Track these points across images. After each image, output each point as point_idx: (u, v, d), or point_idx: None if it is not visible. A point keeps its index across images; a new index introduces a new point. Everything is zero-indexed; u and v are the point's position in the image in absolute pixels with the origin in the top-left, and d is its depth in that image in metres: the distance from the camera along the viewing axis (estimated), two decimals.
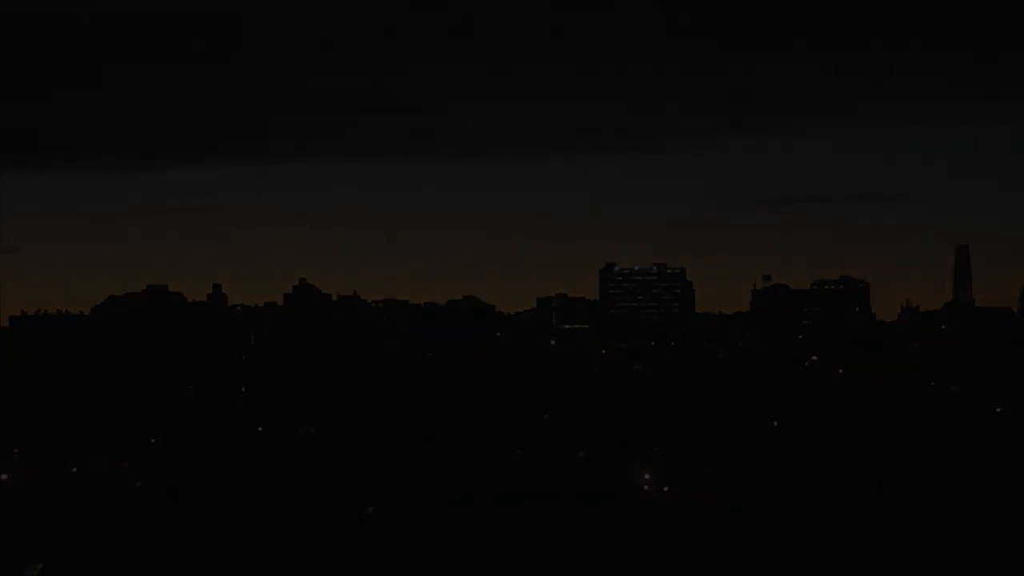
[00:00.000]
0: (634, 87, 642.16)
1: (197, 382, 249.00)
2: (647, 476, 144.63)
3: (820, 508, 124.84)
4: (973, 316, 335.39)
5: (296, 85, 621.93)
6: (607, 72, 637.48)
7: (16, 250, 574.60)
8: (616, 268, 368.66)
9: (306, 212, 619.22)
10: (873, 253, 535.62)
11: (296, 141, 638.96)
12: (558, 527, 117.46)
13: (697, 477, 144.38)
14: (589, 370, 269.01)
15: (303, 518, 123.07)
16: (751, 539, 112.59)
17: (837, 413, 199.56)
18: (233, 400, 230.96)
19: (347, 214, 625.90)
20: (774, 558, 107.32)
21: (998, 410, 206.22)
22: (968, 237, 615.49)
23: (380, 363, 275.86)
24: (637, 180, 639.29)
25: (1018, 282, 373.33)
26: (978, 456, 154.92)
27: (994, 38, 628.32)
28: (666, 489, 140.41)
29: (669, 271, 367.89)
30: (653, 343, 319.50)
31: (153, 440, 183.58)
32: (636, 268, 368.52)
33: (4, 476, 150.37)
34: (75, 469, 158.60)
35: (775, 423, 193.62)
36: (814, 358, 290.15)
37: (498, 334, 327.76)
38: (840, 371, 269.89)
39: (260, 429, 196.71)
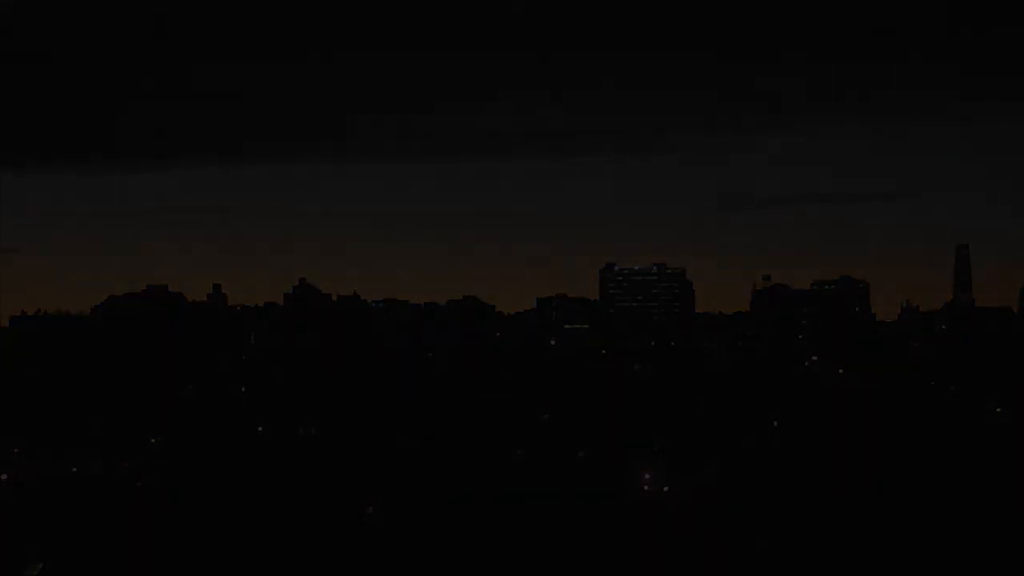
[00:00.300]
0: (634, 87, 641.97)
1: (197, 382, 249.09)
2: (647, 476, 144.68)
3: (820, 508, 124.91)
4: (973, 316, 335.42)
5: (296, 85, 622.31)
6: (607, 72, 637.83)
7: (16, 250, 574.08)
8: (616, 268, 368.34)
9: (306, 212, 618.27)
10: (873, 253, 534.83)
11: (296, 141, 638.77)
12: (558, 527, 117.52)
13: (697, 477, 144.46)
14: (589, 370, 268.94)
15: (303, 518, 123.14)
16: (751, 539, 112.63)
17: (837, 413, 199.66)
18: (233, 400, 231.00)
19: (347, 214, 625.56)
20: (774, 558, 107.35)
21: (998, 410, 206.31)
22: (968, 237, 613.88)
23: (380, 363, 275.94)
24: (637, 180, 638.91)
25: (1018, 282, 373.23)
26: (978, 456, 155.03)
27: (994, 38, 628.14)
28: (666, 489, 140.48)
29: (669, 271, 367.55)
30: (653, 343, 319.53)
31: (153, 440, 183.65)
32: (636, 268, 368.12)
33: (4, 476, 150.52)
34: (75, 469, 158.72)
35: (775, 423, 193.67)
36: (814, 358, 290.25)
37: (498, 334, 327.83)
38: (840, 371, 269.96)
39: (260, 429, 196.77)
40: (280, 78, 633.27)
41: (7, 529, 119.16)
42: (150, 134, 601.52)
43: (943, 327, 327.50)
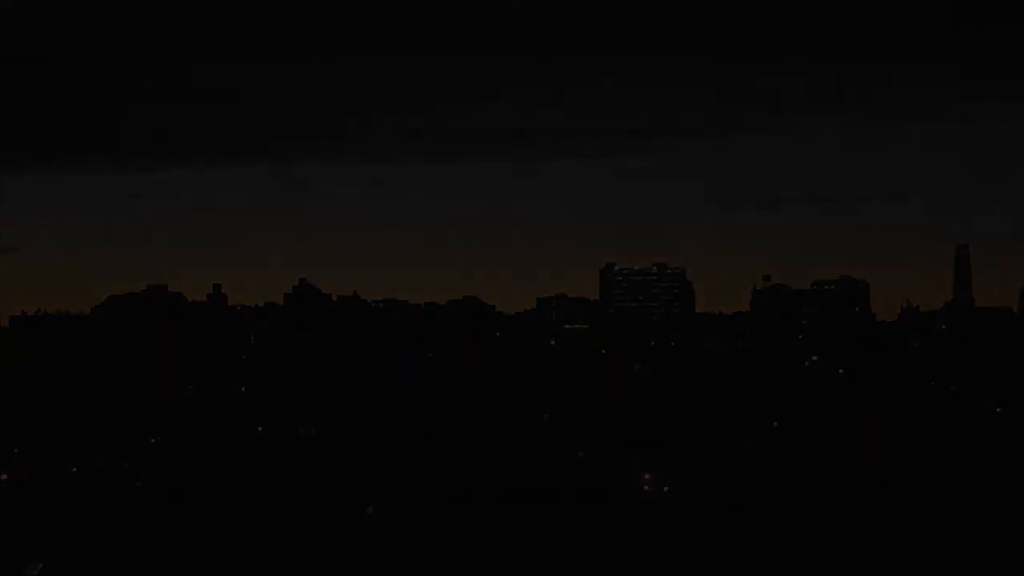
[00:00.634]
0: (634, 87, 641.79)
1: (197, 382, 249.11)
2: (647, 476, 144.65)
3: (820, 508, 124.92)
4: (973, 316, 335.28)
5: (296, 85, 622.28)
6: (607, 72, 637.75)
7: (16, 250, 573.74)
8: (616, 268, 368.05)
9: (306, 212, 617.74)
10: (873, 253, 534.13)
11: (296, 141, 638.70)
12: (558, 527, 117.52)
13: (697, 477, 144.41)
14: (589, 370, 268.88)
15: (303, 518, 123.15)
16: (751, 539, 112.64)
17: (837, 413, 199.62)
18: (233, 400, 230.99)
19: (347, 214, 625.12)
20: (774, 558, 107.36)
21: (997, 410, 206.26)
22: (968, 237, 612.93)
23: (380, 363, 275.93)
24: (637, 180, 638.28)
25: (1018, 282, 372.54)
26: (978, 456, 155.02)
27: (994, 38, 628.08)
28: (666, 489, 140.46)
29: (669, 271, 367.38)
30: (653, 343, 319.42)
31: (153, 440, 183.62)
32: (636, 268, 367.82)
33: (4, 476, 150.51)
34: (75, 469, 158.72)
35: (775, 423, 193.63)
36: (814, 358, 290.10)
37: (498, 334, 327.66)
38: (840, 371, 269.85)
39: (260, 429, 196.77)
40: (280, 78, 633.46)
41: (7, 529, 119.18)
42: (150, 134, 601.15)
43: (943, 327, 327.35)
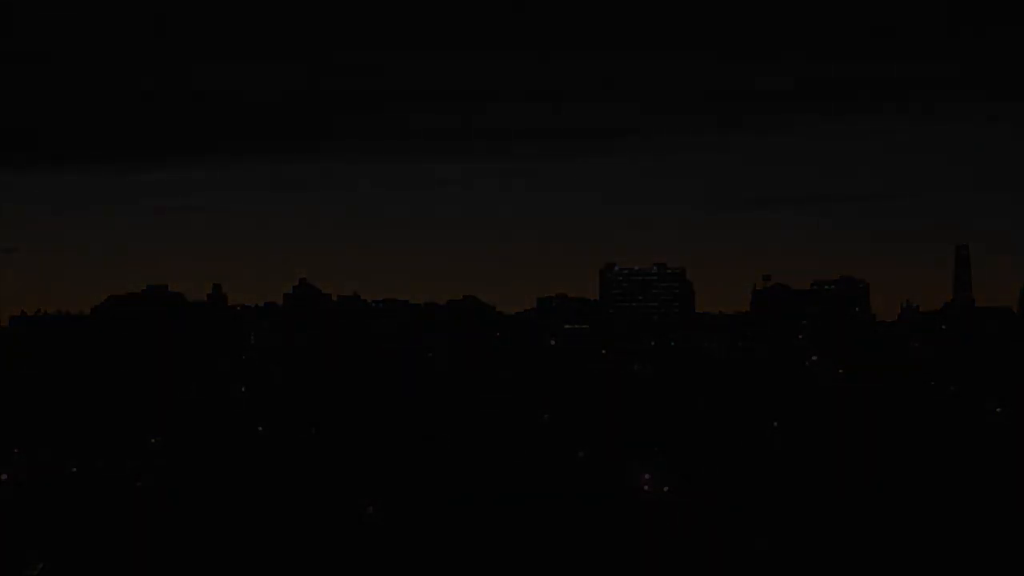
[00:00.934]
0: (634, 87, 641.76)
1: (197, 382, 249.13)
2: (647, 476, 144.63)
3: (820, 508, 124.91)
4: (973, 316, 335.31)
5: (296, 85, 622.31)
6: (606, 72, 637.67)
7: (16, 250, 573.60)
8: (616, 268, 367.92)
9: (306, 212, 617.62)
10: (873, 253, 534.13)
11: (296, 141, 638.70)
12: (558, 527, 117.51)
13: (697, 477, 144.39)
14: (589, 370, 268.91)
15: (303, 518, 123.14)
16: (751, 539, 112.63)
17: (837, 413, 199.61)
18: (233, 400, 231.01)
19: (347, 214, 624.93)
20: (774, 558, 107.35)
21: (997, 410, 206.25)
22: (968, 237, 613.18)
23: (380, 363, 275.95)
24: (637, 180, 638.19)
25: (1018, 282, 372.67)
26: (977, 456, 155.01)
27: (994, 38, 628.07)
28: (666, 489, 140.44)
29: (669, 271, 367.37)
30: (653, 343, 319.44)
31: (153, 440, 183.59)
32: (636, 268, 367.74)
33: (4, 476, 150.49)
34: (75, 469, 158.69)
35: (775, 423, 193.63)
36: (814, 358, 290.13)
37: (498, 334, 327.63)
38: (840, 371, 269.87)
39: (260, 429, 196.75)
40: (280, 78, 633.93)
41: (7, 529, 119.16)
42: (150, 134, 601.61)
43: (943, 327, 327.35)
